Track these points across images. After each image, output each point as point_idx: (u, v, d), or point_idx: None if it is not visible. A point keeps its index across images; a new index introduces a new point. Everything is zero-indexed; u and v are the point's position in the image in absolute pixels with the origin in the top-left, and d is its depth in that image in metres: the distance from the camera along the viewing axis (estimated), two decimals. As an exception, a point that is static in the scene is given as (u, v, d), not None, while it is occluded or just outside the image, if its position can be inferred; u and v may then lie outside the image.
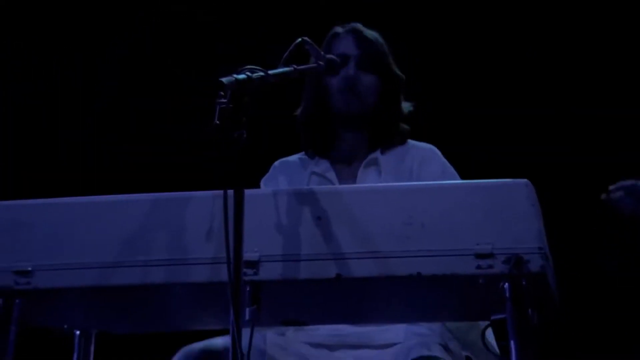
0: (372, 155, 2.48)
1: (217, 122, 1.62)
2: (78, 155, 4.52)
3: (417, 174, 2.43)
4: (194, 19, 4.59)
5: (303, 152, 2.59)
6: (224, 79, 1.65)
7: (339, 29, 2.54)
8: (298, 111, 2.57)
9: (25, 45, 4.64)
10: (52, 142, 4.58)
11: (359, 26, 2.54)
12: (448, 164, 2.49)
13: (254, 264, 1.70)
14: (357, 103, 2.45)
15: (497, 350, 1.91)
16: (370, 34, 2.54)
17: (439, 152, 2.52)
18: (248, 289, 1.70)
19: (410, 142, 2.55)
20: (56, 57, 4.62)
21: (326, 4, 4.26)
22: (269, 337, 2.20)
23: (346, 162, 2.51)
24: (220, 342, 2.08)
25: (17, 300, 1.80)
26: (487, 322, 1.82)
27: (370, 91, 2.48)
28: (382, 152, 2.50)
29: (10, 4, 4.58)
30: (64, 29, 4.60)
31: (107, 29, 4.63)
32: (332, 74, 1.99)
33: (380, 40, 2.55)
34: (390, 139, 2.52)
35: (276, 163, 2.60)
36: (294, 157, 2.60)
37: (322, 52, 1.91)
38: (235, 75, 1.67)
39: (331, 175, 2.49)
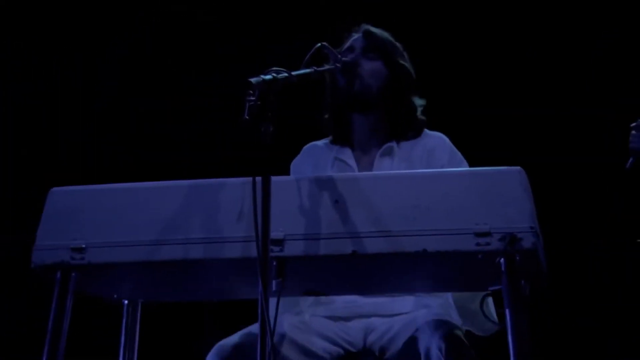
0: (387, 145, 2.52)
1: (247, 117, 1.68)
2: (77, 155, 4.44)
3: (426, 161, 2.46)
4: (194, 19, 4.49)
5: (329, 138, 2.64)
6: (253, 79, 1.72)
7: (352, 32, 2.59)
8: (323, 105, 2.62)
9: (25, 45, 4.54)
10: (52, 142, 4.51)
11: (370, 27, 2.58)
12: (456, 151, 2.52)
13: (280, 242, 1.75)
14: (358, 85, 2.46)
15: (495, 317, 1.95)
16: (380, 32, 2.58)
17: (448, 141, 2.55)
18: (274, 263, 1.75)
19: (425, 131, 2.58)
20: (56, 57, 4.52)
21: (325, 4, 4.19)
22: (288, 320, 2.23)
23: (365, 150, 2.55)
24: (249, 335, 2.11)
25: (72, 274, 1.86)
26: (485, 292, 1.87)
27: (373, 76, 2.49)
28: (398, 142, 2.53)
29: (10, 4, 4.50)
30: (64, 28, 4.52)
31: (107, 29, 4.53)
32: (349, 74, 2.00)
33: (390, 38, 2.59)
34: (403, 129, 2.54)
35: (306, 147, 2.65)
36: (321, 142, 2.65)
37: (339, 56, 1.94)
38: (262, 76, 1.74)
39: (351, 161, 2.52)
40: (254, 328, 1.64)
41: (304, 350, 2.19)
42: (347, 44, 2.56)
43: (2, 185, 4.46)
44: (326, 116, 2.62)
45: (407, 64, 2.58)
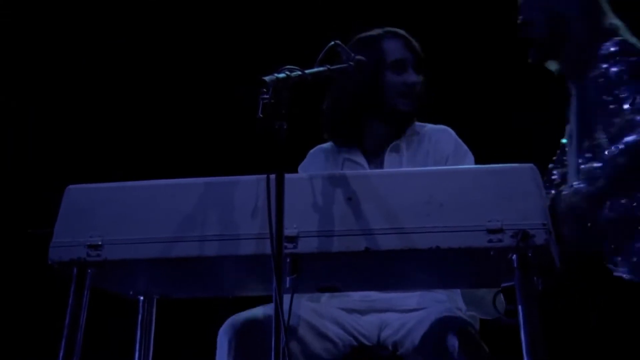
0: (395, 142, 2.50)
1: (261, 115, 1.66)
2: (94, 153, 4.43)
3: (432, 155, 2.45)
4: (195, 18, 4.47)
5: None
6: (266, 78, 1.70)
7: (379, 31, 2.54)
8: (324, 105, 2.56)
9: (25, 45, 4.53)
10: (52, 141, 4.51)
11: (410, 38, 2.53)
12: (461, 143, 2.50)
13: (293, 239, 1.74)
14: (414, 105, 2.48)
15: (504, 312, 1.93)
16: (415, 42, 2.54)
17: (452, 133, 2.53)
18: (288, 260, 1.74)
19: (428, 125, 2.56)
20: (56, 57, 4.51)
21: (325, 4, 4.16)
22: (304, 304, 2.23)
23: (373, 149, 2.53)
24: (261, 311, 2.12)
25: (89, 270, 1.85)
26: (498, 289, 1.85)
27: (422, 92, 2.50)
28: (404, 138, 2.51)
29: (10, 4, 4.48)
30: (64, 28, 4.51)
31: (107, 29, 4.52)
32: (361, 72, 1.99)
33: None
34: (409, 126, 2.53)
35: (312, 150, 2.62)
36: (327, 145, 2.61)
37: (352, 54, 1.92)
38: (276, 74, 1.72)
39: (362, 160, 2.50)
40: (269, 309, 1.65)
41: (319, 333, 2.20)
42: (393, 55, 2.48)
43: (21, 182, 4.46)
44: (332, 117, 2.55)
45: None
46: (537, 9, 2.47)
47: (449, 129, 2.54)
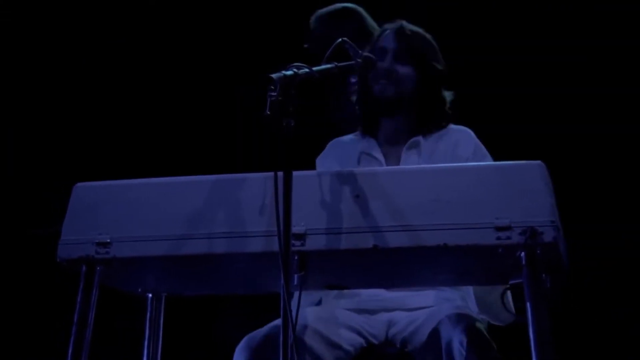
0: (414, 139, 2.49)
1: (268, 112, 1.66)
2: (101, 151, 4.43)
3: (451, 155, 2.43)
4: (194, 19, 4.47)
5: (356, 132, 2.61)
6: (274, 75, 1.69)
7: (386, 26, 2.55)
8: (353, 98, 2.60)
9: (25, 44, 4.53)
10: (52, 141, 4.50)
11: (403, 23, 2.54)
12: (480, 145, 2.48)
13: (301, 236, 1.74)
14: (392, 90, 2.46)
15: (513, 309, 1.92)
16: (412, 29, 2.54)
17: (472, 134, 2.51)
18: (296, 258, 1.74)
19: (451, 125, 2.54)
20: (56, 57, 4.51)
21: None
22: (310, 311, 2.22)
23: (392, 143, 2.52)
24: (277, 328, 2.01)
25: (97, 268, 1.85)
26: (506, 286, 1.83)
27: (406, 80, 2.47)
28: (424, 136, 2.50)
29: (10, 4, 4.48)
30: (66, 27, 4.50)
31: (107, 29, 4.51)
32: (369, 68, 1.99)
33: (422, 34, 2.55)
34: (430, 124, 2.51)
35: (331, 142, 2.63)
36: (346, 137, 2.62)
37: (360, 51, 1.91)
38: (283, 72, 1.71)
39: (379, 155, 2.50)
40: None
41: (328, 342, 2.17)
42: (380, 42, 2.52)
43: (28, 180, 4.46)
44: (354, 109, 2.59)
45: (439, 62, 2.53)
46: None
47: (469, 130, 2.53)
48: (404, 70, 2.48)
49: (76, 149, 4.45)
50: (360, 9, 3.26)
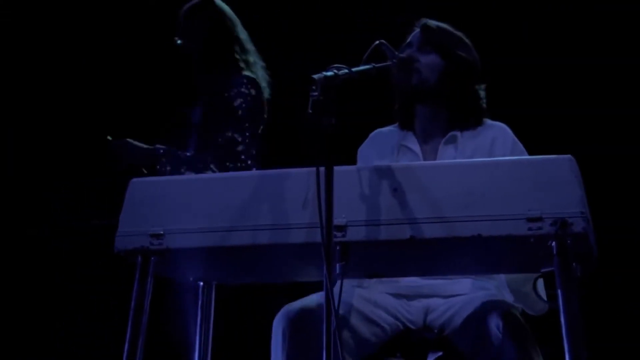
0: (451, 133, 2.52)
1: (310, 111, 1.72)
2: (77, 154, 4.38)
3: (489, 151, 2.44)
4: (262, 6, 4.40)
5: (396, 124, 2.65)
6: (315, 76, 1.75)
7: (415, 25, 2.60)
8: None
9: (25, 44, 4.50)
10: (52, 141, 4.46)
11: (429, 20, 2.58)
12: (517, 142, 2.50)
13: (342, 228, 1.78)
14: (415, 79, 2.49)
15: (545, 297, 1.96)
16: (437, 24, 2.57)
17: (510, 131, 2.53)
18: (338, 248, 1.78)
19: (487, 121, 2.56)
20: (56, 57, 4.47)
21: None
22: (353, 291, 2.27)
23: (429, 137, 2.55)
24: (314, 300, 2.15)
25: (152, 258, 1.91)
26: (537, 274, 1.87)
27: (429, 68, 2.50)
28: (461, 131, 2.52)
29: (10, 4, 4.44)
30: (66, 26, 4.46)
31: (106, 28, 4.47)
32: (403, 69, 2.04)
33: (448, 28, 2.58)
34: (465, 119, 2.53)
35: (372, 134, 2.67)
36: (387, 129, 2.66)
37: (396, 52, 1.96)
38: (324, 72, 1.77)
39: (416, 147, 2.53)
40: (321, 297, 1.70)
41: (367, 318, 2.23)
42: (407, 40, 2.58)
43: (28, 180, 4.46)
44: (395, 106, 2.63)
45: (467, 54, 2.55)
46: None
47: (506, 127, 2.54)
48: (427, 59, 2.50)
49: (76, 149, 4.41)
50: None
